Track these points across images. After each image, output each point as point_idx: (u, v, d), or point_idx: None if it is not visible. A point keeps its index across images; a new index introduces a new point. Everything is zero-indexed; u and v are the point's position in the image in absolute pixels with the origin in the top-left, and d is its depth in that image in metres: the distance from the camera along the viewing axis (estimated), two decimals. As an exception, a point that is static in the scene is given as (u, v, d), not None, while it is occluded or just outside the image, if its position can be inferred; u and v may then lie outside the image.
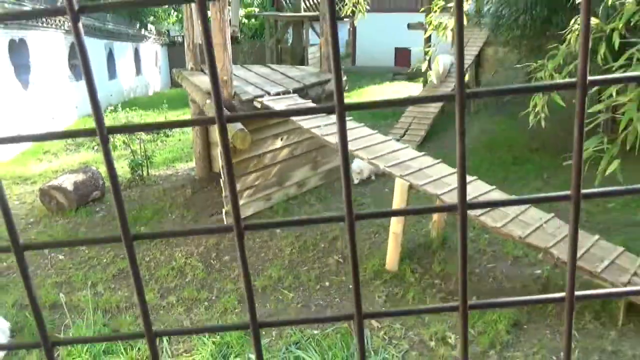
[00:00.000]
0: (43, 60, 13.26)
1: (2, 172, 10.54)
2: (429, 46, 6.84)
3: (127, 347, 4.94)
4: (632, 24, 3.32)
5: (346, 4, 7.06)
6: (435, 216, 6.67)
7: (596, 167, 3.15)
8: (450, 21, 4.08)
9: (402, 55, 22.00)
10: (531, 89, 0.51)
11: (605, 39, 3.48)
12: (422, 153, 6.53)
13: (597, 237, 5.25)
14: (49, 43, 13.64)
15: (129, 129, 0.60)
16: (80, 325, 5.35)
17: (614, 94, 2.79)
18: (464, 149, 0.54)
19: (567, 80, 0.49)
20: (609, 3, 3.34)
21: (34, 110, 12.72)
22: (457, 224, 0.53)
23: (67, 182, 8.43)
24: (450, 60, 12.01)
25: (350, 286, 4.20)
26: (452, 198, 5.64)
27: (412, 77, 16.55)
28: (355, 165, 8.57)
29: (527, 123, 4.90)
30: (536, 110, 4.02)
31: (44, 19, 13.01)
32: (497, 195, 5.77)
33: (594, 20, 3.47)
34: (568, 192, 0.48)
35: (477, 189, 5.82)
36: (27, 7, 12.28)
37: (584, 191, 0.48)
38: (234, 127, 6.56)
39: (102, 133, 0.55)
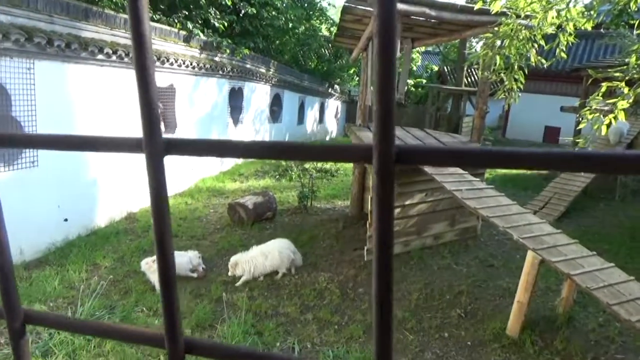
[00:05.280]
0: (251, 104, 14.46)
1: (208, 184, 11.58)
2: (579, 132, 6.09)
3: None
4: None
5: (499, 89, 6.59)
6: (564, 292, 5.77)
7: None
8: (606, 118, 3.48)
9: (552, 133, 20.20)
10: None
11: None
12: (559, 230, 5.70)
13: None
14: (258, 92, 14.85)
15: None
16: (234, 321, 5.48)
17: None
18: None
19: None
20: None
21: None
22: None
23: (250, 201, 8.93)
24: (627, 128, 10.98)
25: (468, 343, 3.65)
26: (584, 280, 4.80)
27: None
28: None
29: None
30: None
31: (257, 74, 14.21)
32: (635, 286, 4.78)
33: None
34: None
35: (611, 276, 4.89)
36: (248, 64, 13.54)
37: None
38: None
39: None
